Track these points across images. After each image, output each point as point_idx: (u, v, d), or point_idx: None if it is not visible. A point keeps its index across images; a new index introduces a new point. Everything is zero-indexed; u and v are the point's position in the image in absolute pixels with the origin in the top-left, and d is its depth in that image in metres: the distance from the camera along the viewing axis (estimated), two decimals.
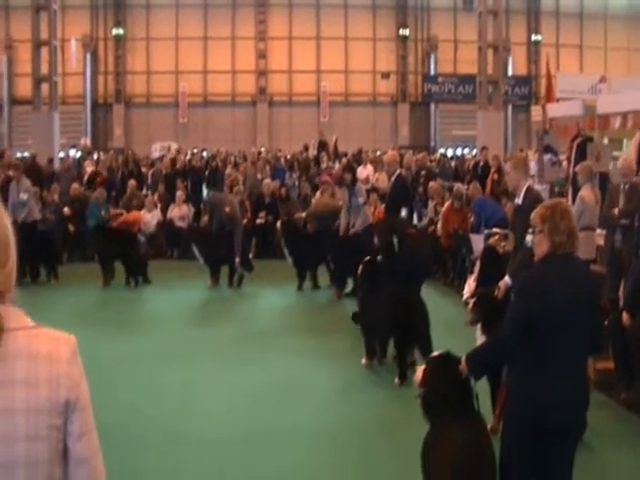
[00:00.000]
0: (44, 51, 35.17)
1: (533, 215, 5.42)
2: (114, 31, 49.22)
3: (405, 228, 12.22)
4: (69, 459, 2.61)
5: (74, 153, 33.05)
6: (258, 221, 20.01)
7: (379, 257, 11.62)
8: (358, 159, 27.81)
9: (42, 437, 2.51)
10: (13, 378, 2.47)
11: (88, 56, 48.39)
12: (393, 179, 12.97)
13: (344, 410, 9.14)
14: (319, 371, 10.63)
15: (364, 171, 23.16)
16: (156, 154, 34.28)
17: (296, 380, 10.26)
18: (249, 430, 8.44)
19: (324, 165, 26.10)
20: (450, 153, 39.90)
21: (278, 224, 17.29)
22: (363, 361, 10.77)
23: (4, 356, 2.47)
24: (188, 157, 26.87)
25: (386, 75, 48.87)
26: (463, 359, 5.42)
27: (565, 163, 18.69)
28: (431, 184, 19.55)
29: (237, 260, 16.55)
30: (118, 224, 18.22)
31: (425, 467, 5.48)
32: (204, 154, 30.62)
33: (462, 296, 10.31)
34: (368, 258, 11.49)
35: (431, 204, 18.87)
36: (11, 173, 19.14)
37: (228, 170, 24.15)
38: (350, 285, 15.21)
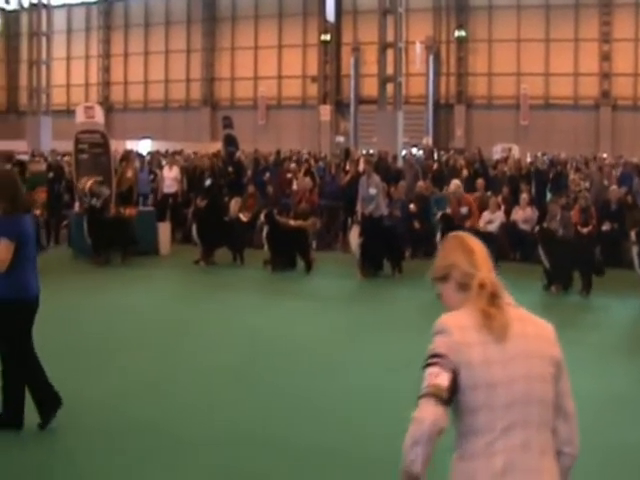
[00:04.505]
0: (389, 53, 36.46)
1: None
2: (456, 33, 50.01)
3: None
4: (559, 412, 3.32)
5: (416, 152, 33.95)
6: (604, 228, 19.43)
7: None
8: None
9: (547, 380, 3.25)
10: (525, 333, 3.28)
11: (431, 58, 49.47)
12: None
13: None
14: None
15: None
16: (497, 156, 34.32)
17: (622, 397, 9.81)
18: None
19: None
20: None
21: (632, 234, 16.55)
22: None
23: (517, 317, 3.32)
24: (530, 160, 26.67)
25: None
26: None
27: None
28: None
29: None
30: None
31: None
32: (545, 158, 30.25)
33: None
34: None
35: None
36: (362, 168, 20.03)
37: (572, 175, 23.71)
38: None
